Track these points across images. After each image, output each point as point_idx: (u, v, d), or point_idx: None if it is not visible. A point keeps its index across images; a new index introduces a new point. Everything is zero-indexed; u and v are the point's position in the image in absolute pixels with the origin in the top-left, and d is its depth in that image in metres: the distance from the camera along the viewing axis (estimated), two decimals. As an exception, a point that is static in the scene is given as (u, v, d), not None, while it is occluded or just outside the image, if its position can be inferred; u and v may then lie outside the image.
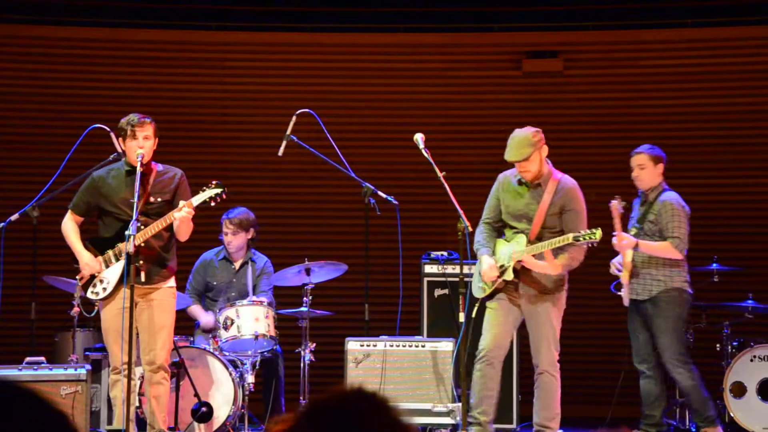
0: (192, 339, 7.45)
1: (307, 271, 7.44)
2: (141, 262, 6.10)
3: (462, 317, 6.25)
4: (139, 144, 6.22)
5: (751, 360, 7.75)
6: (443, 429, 7.06)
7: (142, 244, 6.16)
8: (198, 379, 6.92)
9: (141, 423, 6.61)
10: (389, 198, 7.10)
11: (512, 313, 6.54)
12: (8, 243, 6.94)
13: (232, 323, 7.15)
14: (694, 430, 7.46)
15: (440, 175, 6.39)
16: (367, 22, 9.86)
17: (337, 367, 7.26)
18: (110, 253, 6.34)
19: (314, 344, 7.36)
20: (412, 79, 9.91)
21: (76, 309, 6.98)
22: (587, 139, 9.71)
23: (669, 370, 7.05)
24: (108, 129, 6.79)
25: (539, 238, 6.45)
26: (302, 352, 7.31)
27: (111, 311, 6.27)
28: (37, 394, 1.81)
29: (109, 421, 7.11)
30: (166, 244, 6.36)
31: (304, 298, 7.41)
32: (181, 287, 6.93)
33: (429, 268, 7.90)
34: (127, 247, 6.04)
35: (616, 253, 7.24)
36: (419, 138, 6.61)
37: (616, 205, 6.93)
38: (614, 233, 7.00)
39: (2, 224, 6.97)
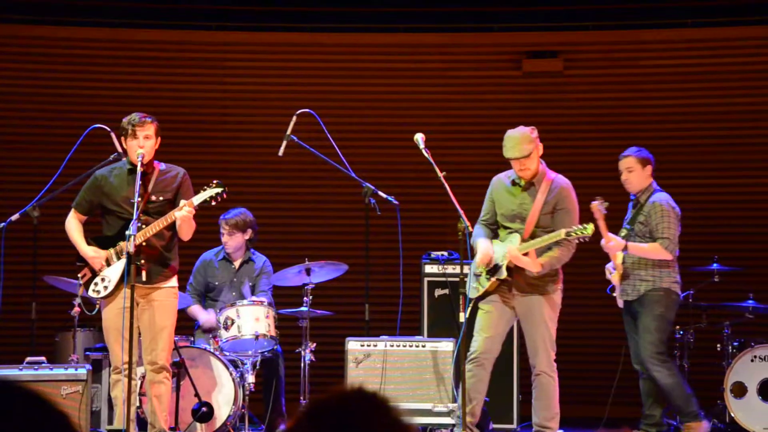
0: (192, 339, 7.46)
1: (308, 271, 7.44)
2: (142, 261, 6.08)
3: (462, 317, 6.24)
4: (140, 143, 6.22)
5: (752, 360, 7.74)
6: (443, 429, 7.05)
7: (144, 244, 6.16)
8: (198, 379, 6.92)
9: (142, 423, 6.61)
10: (389, 198, 7.10)
11: (505, 315, 6.53)
12: (9, 243, 6.93)
13: (233, 323, 7.15)
14: (675, 424, 7.43)
15: (440, 175, 6.37)
16: (367, 22, 9.86)
17: (338, 367, 7.25)
18: (112, 251, 6.34)
19: (314, 344, 7.36)
20: (412, 79, 9.91)
21: (76, 309, 6.98)
22: (587, 139, 9.71)
23: (647, 369, 7.00)
24: (108, 129, 6.79)
25: (533, 238, 6.45)
26: (302, 352, 7.30)
27: (112, 310, 6.26)
28: (37, 394, 1.81)
29: (110, 421, 7.10)
30: (167, 243, 6.35)
31: (305, 298, 7.41)
32: (182, 287, 6.93)
33: (429, 268, 7.90)
34: (128, 246, 6.04)
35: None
36: (419, 138, 6.59)
37: (597, 206, 6.81)
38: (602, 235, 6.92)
39: (3, 224, 6.96)
